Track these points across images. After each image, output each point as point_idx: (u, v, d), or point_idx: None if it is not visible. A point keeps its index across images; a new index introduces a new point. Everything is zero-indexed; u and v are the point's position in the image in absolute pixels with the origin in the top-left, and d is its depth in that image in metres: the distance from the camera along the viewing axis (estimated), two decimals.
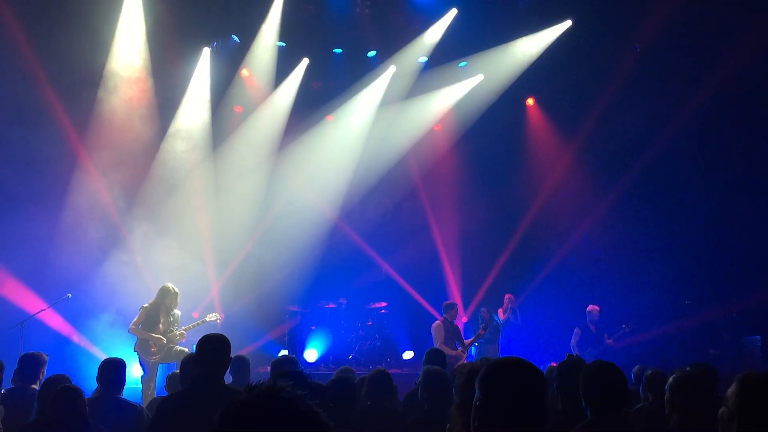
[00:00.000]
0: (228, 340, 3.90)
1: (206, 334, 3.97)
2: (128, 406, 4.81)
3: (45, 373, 5.28)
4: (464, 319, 12.81)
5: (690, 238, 12.28)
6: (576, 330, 10.86)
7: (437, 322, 9.74)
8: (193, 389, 3.86)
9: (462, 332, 10.10)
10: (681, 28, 11.30)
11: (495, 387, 2.22)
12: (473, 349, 10.32)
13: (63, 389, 4.06)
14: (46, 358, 5.46)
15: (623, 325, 10.76)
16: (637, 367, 6.44)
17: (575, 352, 10.44)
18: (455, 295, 12.99)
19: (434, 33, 12.24)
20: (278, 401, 1.39)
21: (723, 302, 11.59)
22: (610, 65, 12.26)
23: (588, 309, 10.92)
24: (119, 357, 5.12)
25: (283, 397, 1.40)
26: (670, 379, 3.68)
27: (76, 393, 4.02)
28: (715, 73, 11.22)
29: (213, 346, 3.84)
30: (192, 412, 3.61)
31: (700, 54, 11.59)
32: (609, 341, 10.51)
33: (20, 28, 9.76)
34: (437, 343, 9.37)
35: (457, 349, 9.47)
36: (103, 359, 5.08)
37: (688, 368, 4.45)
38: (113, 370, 4.90)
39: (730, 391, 2.57)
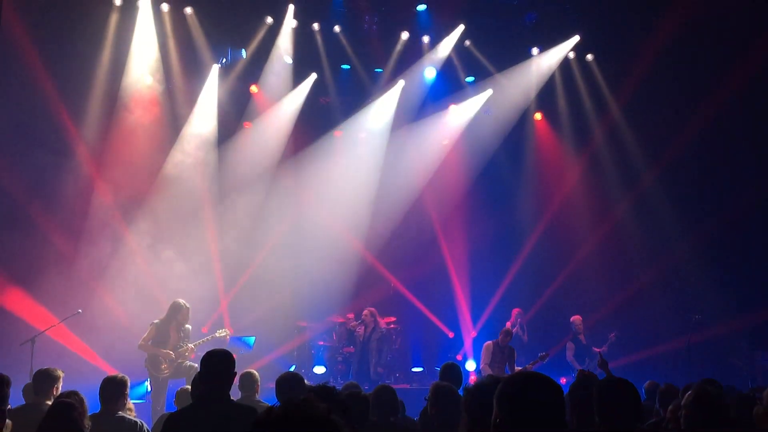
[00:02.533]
0: (232, 356, 3.86)
1: (210, 350, 3.95)
2: (129, 423, 4.81)
3: (60, 389, 5.26)
4: (473, 334, 12.75)
5: (699, 252, 12.20)
6: (569, 344, 10.85)
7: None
8: (197, 406, 3.82)
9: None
10: (688, 43, 11.33)
11: (515, 403, 2.20)
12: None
13: (55, 404, 4.05)
14: (61, 374, 5.36)
15: (611, 335, 10.81)
16: (648, 382, 6.42)
17: (575, 366, 10.42)
18: (464, 311, 12.94)
19: (442, 49, 12.30)
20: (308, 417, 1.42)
21: (734, 317, 11.49)
22: (617, 80, 12.28)
23: (571, 320, 10.92)
24: (123, 374, 5.13)
25: (312, 414, 1.43)
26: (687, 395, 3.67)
27: (68, 406, 4.02)
28: (723, 88, 11.21)
29: (216, 362, 3.81)
30: (196, 429, 3.57)
31: (708, 68, 11.60)
32: (597, 350, 10.46)
33: (35, 52, 9.92)
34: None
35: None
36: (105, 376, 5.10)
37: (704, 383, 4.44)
38: (114, 387, 4.91)
39: None
